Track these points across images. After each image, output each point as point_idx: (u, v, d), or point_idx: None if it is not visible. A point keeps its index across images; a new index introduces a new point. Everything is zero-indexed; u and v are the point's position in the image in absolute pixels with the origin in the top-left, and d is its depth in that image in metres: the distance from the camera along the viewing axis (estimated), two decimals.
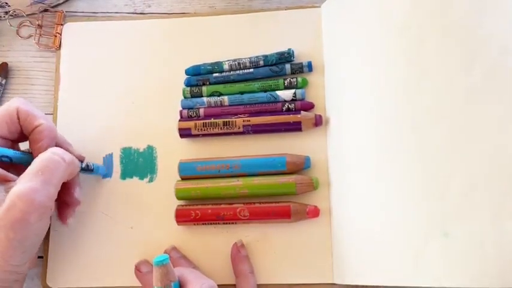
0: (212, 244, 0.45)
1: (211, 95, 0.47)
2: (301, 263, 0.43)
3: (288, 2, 0.50)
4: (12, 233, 0.35)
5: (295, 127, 0.45)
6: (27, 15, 0.52)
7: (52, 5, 0.52)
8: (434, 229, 0.38)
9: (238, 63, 0.47)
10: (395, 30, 0.42)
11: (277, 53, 0.47)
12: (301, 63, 0.47)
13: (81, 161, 0.44)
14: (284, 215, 0.43)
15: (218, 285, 0.37)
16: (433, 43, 0.40)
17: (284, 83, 0.46)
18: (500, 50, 0.38)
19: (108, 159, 0.48)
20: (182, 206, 0.45)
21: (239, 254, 0.43)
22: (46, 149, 0.40)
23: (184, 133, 0.46)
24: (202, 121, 0.46)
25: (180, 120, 0.46)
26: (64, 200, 0.43)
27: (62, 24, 0.51)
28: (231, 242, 0.44)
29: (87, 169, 0.45)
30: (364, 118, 0.42)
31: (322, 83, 0.47)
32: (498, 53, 0.38)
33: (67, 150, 0.42)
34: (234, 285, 0.43)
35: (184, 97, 0.48)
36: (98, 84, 0.49)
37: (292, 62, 0.47)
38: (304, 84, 0.46)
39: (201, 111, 0.47)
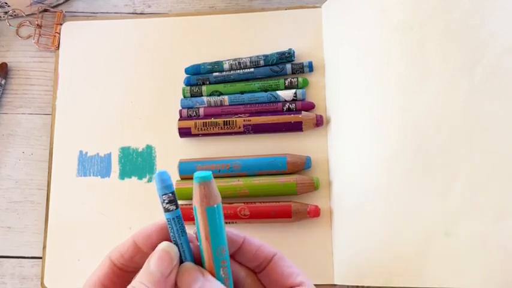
0: None
1: (211, 94, 0.47)
2: (302, 263, 0.42)
3: (288, 2, 0.49)
4: None
5: (296, 127, 0.44)
6: (27, 15, 0.51)
7: (52, 5, 0.51)
8: (436, 229, 0.37)
9: (239, 63, 0.47)
10: (396, 31, 0.41)
11: (278, 53, 0.47)
12: (302, 63, 0.46)
13: None
14: (285, 214, 0.42)
15: None
16: (435, 43, 0.40)
17: (285, 83, 0.46)
18: (504, 50, 0.38)
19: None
20: (182, 205, 0.44)
21: None
22: None
23: (184, 132, 0.46)
24: (202, 120, 0.45)
25: (179, 120, 0.46)
26: None
27: (61, 24, 0.51)
28: None
29: None
30: (365, 118, 0.42)
31: (323, 83, 0.47)
32: (501, 53, 0.38)
33: None
34: None
35: (184, 96, 0.47)
36: (97, 84, 0.49)
37: (293, 62, 0.47)
38: (305, 84, 0.46)
39: (201, 110, 0.46)
